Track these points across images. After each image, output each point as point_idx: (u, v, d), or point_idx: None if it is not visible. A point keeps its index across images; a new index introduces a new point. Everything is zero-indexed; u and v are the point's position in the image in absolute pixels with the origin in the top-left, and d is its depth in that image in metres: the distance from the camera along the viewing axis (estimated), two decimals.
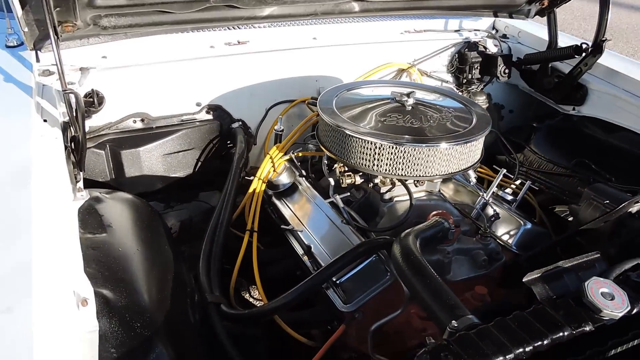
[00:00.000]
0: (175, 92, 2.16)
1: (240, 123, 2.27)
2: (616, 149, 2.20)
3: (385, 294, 1.58)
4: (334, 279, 1.57)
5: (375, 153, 1.66)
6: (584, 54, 2.24)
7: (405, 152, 1.64)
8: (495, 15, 2.61)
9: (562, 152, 2.36)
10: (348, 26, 2.49)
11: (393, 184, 1.83)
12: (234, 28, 2.28)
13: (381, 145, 1.64)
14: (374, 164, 1.68)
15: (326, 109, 1.80)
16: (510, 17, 2.62)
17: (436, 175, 1.72)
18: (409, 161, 1.66)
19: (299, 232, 1.81)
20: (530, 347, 1.00)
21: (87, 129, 1.98)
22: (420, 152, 1.65)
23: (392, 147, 1.64)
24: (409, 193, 1.76)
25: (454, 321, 1.09)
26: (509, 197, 1.95)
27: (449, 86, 2.69)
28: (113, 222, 1.49)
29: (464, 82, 2.66)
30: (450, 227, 1.62)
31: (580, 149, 2.31)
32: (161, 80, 2.12)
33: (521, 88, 2.73)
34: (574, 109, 2.44)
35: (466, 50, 2.61)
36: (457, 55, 2.65)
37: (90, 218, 1.46)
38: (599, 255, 1.32)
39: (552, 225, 2.05)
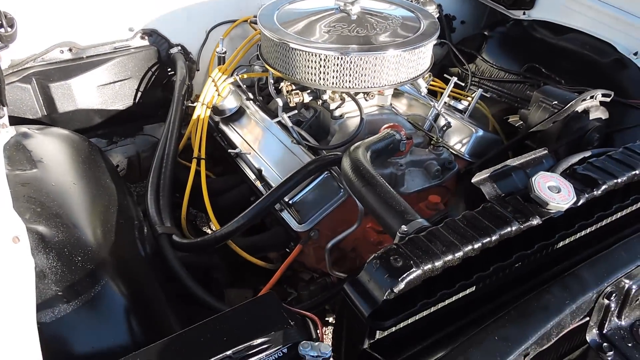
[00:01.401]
0: (104, 17, 1.98)
1: (180, 48, 2.12)
2: (566, 51, 2.18)
3: (340, 210, 1.56)
4: (287, 200, 1.54)
5: (320, 65, 1.58)
6: None
7: (351, 62, 1.57)
8: None
9: (514, 58, 2.33)
10: None
11: (343, 100, 1.76)
12: None
13: (326, 56, 1.56)
14: (320, 77, 1.61)
15: (267, 25, 1.69)
16: None
17: (385, 85, 1.66)
18: (356, 71, 1.59)
19: (248, 156, 1.75)
20: (479, 244, 0.99)
21: (8, 62, 1.82)
22: (367, 61, 1.58)
23: (338, 58, 1.56)
24: (359, 107, 1.71)
25: (403, 226, 1.08)
26: (461, 107, 1.92)
27: None
28: (45, 157, 1.39)
29: None
30: (402, 138, 1.60)
31: (532, 54, 2.28)
32: (87, 3, 1.93)
33: None
34: (524, 14, 2.39)
35: None
36: None
37: (18, 154, 1.35)
38: (546, 152, 1.32)
39: (507, 135, 2.06)
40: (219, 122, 1.94)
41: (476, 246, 0.99)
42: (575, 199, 1.09)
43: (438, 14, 2.52)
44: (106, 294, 1.11)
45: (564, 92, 1.83)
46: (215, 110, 1.90)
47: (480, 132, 1.81)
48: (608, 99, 1.81)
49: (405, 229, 1.07)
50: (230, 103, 1.89)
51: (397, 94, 2.02)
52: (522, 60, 2.28)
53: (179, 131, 1.85)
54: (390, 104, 1.90)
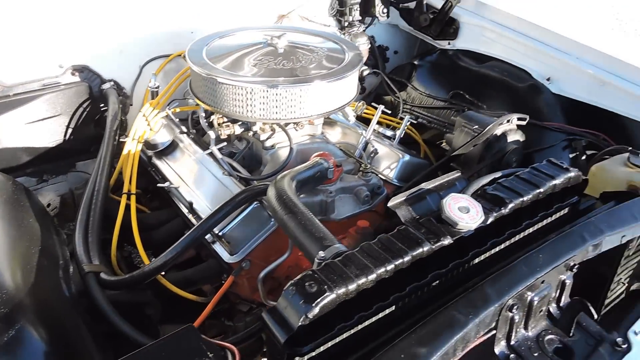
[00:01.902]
0: (32, 54, 1.95)
1: (113, 83, 2.11)
2: (487, 77, 2.32)
3: (271, 239, 1.58)
4: (217, 231, 1.54)
5: (247, 98, 1.62)
6: None
7: (278, 94, 1.61)
8: None
9: (441, 85, 2.45)
10: None
11: (273, 130, 1.81)
12: None
13: (252, 89, 1.60)
14: (247, 110, 1.64)
15: (196, 60, 1.72)
16: None
17: (312, 115, 1.71)
18: (283, 103, 1.64)
19: (180, 189, 1.75)
20: (392, 266, 1.03)
21: None
22: (292, 93, 1.63)
23: (264, 91, 1.60)
24: (289, 137, 1.75)
25: (321, 252, 1.11)
26: (389, 133, 2.00)
27: (332, 30, 2.67)
28: None
29: (345, 25, 2.65)
30: (330, 166, 1.64)
31: (457, 81, 2.41)
32: (14, 39, 1.91)
33: (401, 27, 2.78)
34: (449, 44, 2.53)
35: None
36: None
37: None
38: (459, 174, 1.40)
39: (438, 159, 2.15)
40: (152, 156, 1.94)
41: (389, 268, 1.03)
42: (483, 217, 1.16)
43: (370, 45, 2.64)
44: (21, 338, 1.08)
45: (484, 117, 1.94)
46: (148, 144, 1.90)
47: (407, 157, 1.88)
48: (524, 122, 1.93)
49: (323, 255, 1.10)
50: (162, 137, 1.90)
51: (329, 122, 2.08)
52: (449, 87, 2.40)
53: (110, 167, 1.83)
54: (322, 133, 1.95)
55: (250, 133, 1.80)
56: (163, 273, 1.55)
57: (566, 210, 1.35)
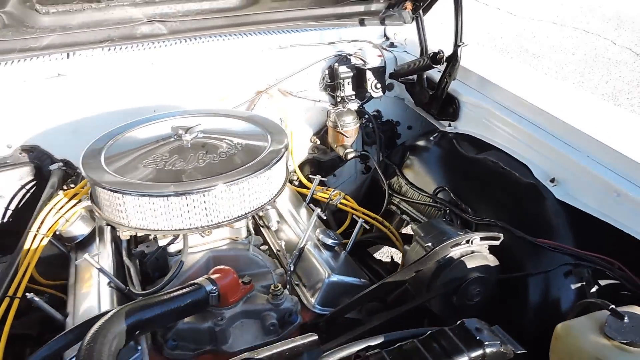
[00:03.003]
0: None
1: (62, 164, 2.02)
2: (483, 171, 1.87)
3: None
4: None
5: (119, 204, 1.39)
6: (443, 63, 1.93)
7: (152, 203, 1.37)
8: (362, 24, 2.32)
9: (433, 175, 2.04)
10: (198, 46, 2.23)
11: (176, 236, 1.55)
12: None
13: (123, 198, 1.37)
14: (123, 218, 1.42)
15: (88, 159, 1.53)
16: (382, 24, 2.32)
17: (206, 225, 1.44)
18: (163, 213, 1.38)
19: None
20: None
21: None
22: (175, 202, 1.37)
23: (136, 199, 1.37)
24: (184, 247, 1.49)
25: None
26: (329, 241, 1.64)
27: (322, 105, 2.40)
28: None
29: (338, 100, 2.36)
30: (212, 290, 1.34)
31: (449, 172, 1.99)
32: None
33: (406, 102, 2.42)
34: (449, 125, 2.12)
35: (336, 64, 2.32)
36: (327, 70, 2.35)
37: None
38: (315, 338, 1.02)
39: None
40: (71, 249, 1.78)
41: None
42: None
43: (359, 124, 2.33)
44: None
45: (446, 230, 1.51)
46: (61, 236, 1.74)
47: (335, 278, 1.50)
48: (496, 242, 1.47)
49: None
50: (77, 229, 1.73)
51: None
52: (440, 178, 1.99)
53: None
54: (249, 234, 1.65)
55: (151, 237, 1.57)
56: None
57: None
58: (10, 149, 1.98)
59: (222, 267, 1.45)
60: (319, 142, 2.42)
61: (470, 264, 1.43)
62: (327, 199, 2.08)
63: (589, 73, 6.10)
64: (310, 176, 2.09)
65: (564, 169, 1.62)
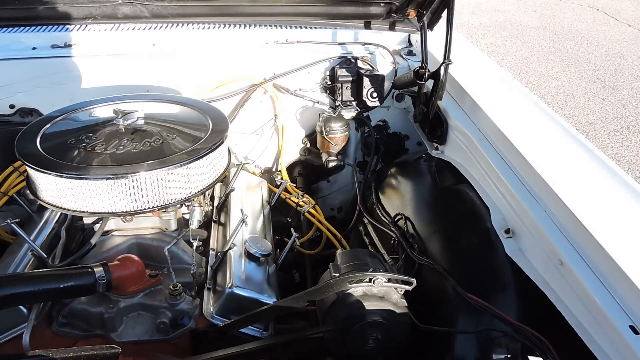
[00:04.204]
0: None
1: None
2: (447, 206, 1.69)
3: None
4: None
5: (36, 180, 1.43)
6: (426, 80, 1.75)
7: (60, 183, 1.39)
8: (367, 27, 2.17)
9: (401, 199, 1.88)
10: (200, 32, 2.23)
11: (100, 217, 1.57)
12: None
13: (37, 174, 1.41)
14: (39, 193, 1.46)
15: (25, 137, 1.55)
16: (391, 29, 2.16)
17: (110, 212, 1.43)
18: (73, 194, 1.40)
19: None
20: None
21: None
22: (80, 185, 1.38)
23: (47, 177, 1.39)
24: (99, 229, 1.50)
25: None
26: (253, 250, 1.57)
27: (320, 107, 2.30)
28: None
29: (337, 104, 2.24)
30: (101, 278, 1.33)
31: (417, 200, 1.82)
32: None
33: (409, 117, 2.25)
34: (437, 148, 1.93)
35: (337, 66, 2.21)
36: (329, 72, 2.25)
37: None
38: (115, 351, 0.97)
39: None
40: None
41: None
42: None
43: (346, 132, 2.20)
44: None
45: (365, 263, 1.38)
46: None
47: (236, 290, 1.44)
48: (409, 287, 1.32)
49: None
50: None
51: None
52: (408, 202, 1.83)
53: None
54: (179, 229, 1.63)
55: None
56: None
57: None
58: (12, 109, 2.13)
59: (130, 256, 1.45)
60: (309, 145, 2.33)
61: (371, 305, 1.29)
62: (295, 204, 2.02)
63: None
64: (277, 179, 2.03)
65: (521, 220, 1.41)
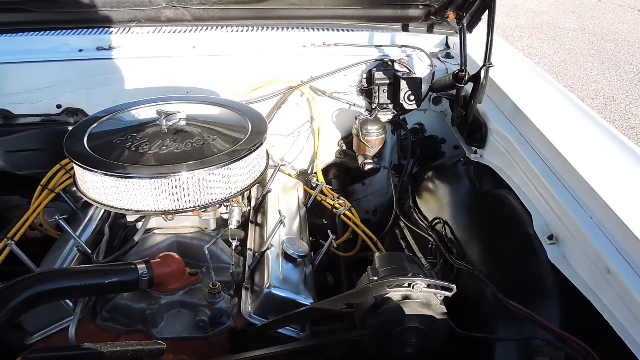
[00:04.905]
0: (37, 93, 2.18)
1: None
2: (487, 211, 1.66)
3: None
4: None
5: (79, 177, 1.48)
6: (466, 83, 1.73)
7: (101, 180, 1.43)
8: (405, 29, 2.16)
9: (439, 203, 1.86)
10: (239, 35, 2.27)
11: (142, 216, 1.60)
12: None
13: (84, 173, 1.45)
14: (84, 190, 1.50)
15: (74, 136, 1.60)
16: (429, 31, 2.15)
17: (152, 210, 1.45)
18: (116, 191, 1.44)
19: None
20: None
21: None
22: (122, 184, 1.42)
23: (94, 175, 1.43)
24: (142, 227, 1.53)
25: None
26: (290, 251, 1.58)
27: (357, 110, 2.30)
28: None
29: (373, 107, 2.24)
30: (143, 275, 1.36)
31: (456, 204, 1.79)
32: (24, 79, 2.16)
33: (446, 120, 2.22)
34: (475, 152, 1.91)
35: (374, 68, 2.20)
36: (365, 74, 2.25)
37: None
38: (160, 347, 0.99)
39: None
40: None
41: None
42: None
43: (383, 135, 2.20)
44: None
45: (403, 267, 1.37)
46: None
47: (274, 290, 1.45)
48: (449, 293, 1.30)
49: None
50: None
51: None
52: (446, 206, 1.80)
53: None
54: (217, 229, 1.66)
55: None
56: None
57: None
58: (59, 109, 2.21)
59: (171, 254, 1.48)
60: (344, 147, 2.33)
61: (409, 310, 1.28)
62: (331, 206, 2.02)
63: None
64: (313, 181, 2.03)
65: (565, 226, 1.37)
